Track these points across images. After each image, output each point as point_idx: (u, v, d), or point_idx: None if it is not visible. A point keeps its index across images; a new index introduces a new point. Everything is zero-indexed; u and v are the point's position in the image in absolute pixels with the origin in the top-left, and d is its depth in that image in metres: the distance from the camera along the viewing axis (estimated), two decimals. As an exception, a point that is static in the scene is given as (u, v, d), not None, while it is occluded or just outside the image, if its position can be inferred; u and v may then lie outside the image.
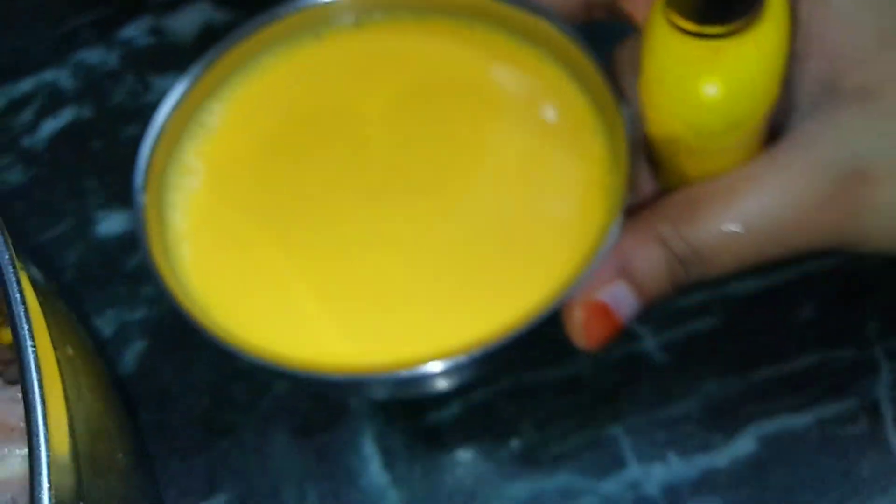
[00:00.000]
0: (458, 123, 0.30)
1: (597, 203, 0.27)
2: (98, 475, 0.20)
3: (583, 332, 0.24)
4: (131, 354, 0.33)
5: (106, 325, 0.34)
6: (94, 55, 0.43)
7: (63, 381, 0.18)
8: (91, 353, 0.26)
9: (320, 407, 0.31)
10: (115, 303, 0.34)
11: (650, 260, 0.24)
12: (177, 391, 0.32)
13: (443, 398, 0.30)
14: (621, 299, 0.24)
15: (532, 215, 0.27)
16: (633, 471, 0.29)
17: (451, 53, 0.31)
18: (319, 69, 0.31)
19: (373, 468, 0.29)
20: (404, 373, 0.24)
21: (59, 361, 0.18)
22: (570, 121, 0.29)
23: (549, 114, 0.29)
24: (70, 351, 0.21)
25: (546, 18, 0.29)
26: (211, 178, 0.29)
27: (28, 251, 0.36)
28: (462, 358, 0.23)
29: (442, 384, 0.26)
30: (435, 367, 0.23)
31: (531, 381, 0.30)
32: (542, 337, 0.31)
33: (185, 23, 0.43)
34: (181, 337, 0.33)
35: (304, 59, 0.31)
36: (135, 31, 0.43)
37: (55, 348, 0.18)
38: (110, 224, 0.37)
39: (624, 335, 0.31)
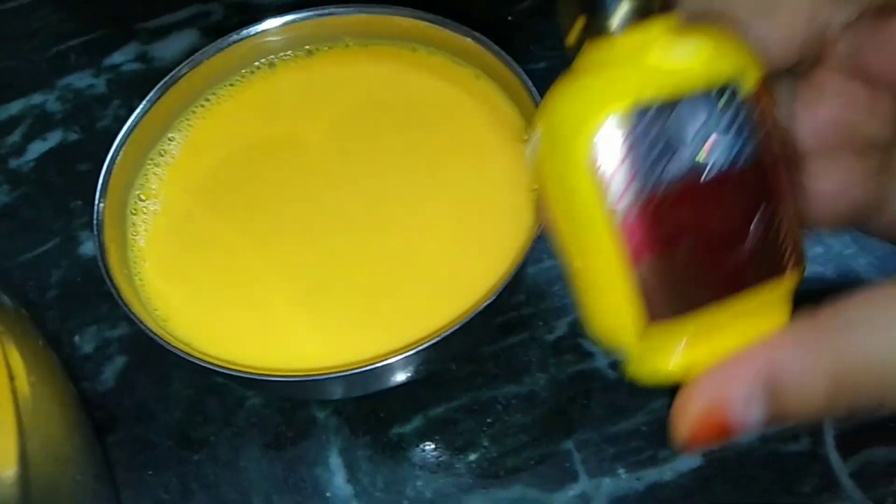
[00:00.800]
0: (402, 136, 0.32)
1: (525, 206, 0.30)
2: (52, 498, 0.21)
3: (690, 434, 0.20)
4: (111, 371, 0.34)
5: (87, 342, 0.35)
6: (82, 80, 0.45)
7: (17, 413, 0.19)
8: (59, 377, 0.27)
9: (290, 421, 0.32)
10: (96, 320, 0.36)
11: (810, 375, 0.19)
12: (154, 406, 0.33)
13: (405, 413, 0.32)
14: (750, 413, 0.19)
15: (468, 219, 0.30)
16: (584, 484, 0.30)
17: (395, 75, 0.34)
18: (273, 95, 0.34)
19: (338, 480, 0.31)
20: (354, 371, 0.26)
21: (15, 393, 0.19)
22: (502, 130, 0.31)
23: (484, 124, 0.32)
24: (33, 378, 0.22)
25: (478, 41, 0.31)
26: (170, 201, 0.32)
27: (9, 270, 0.38)
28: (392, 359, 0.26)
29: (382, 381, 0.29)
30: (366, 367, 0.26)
31: (489, 397, 0.32)
32: (500, 354, 0.33)
33: (171, 49, 0.45)
34: (159, 354, 0.35)
35: (259, 86, 0.34)
36: (122, 57, 0.45)
37: (12, 378, 0.19)
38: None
39: (577, 354, 0.33)
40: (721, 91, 0.19)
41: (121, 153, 0.30)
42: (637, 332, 0.20)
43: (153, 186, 0.32)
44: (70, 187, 0.40)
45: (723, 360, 0.20)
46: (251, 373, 0.26)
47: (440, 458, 0.31)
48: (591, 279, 0.20)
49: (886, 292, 0.19)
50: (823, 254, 0.34)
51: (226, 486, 0.31)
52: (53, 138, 0.42)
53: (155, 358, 0.34)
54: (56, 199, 0.40)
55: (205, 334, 0.28)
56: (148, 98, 0.32)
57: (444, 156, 0.32)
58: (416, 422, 0.32)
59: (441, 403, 0.32)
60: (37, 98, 0.44)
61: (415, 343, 0.26)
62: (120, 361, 0.35)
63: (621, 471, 0.30)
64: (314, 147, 0.32)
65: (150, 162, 0.32)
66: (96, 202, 0.29)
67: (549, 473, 0.30)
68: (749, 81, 0.19)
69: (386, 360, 0.25)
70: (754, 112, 0.19)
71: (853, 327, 0.19)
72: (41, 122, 0.43)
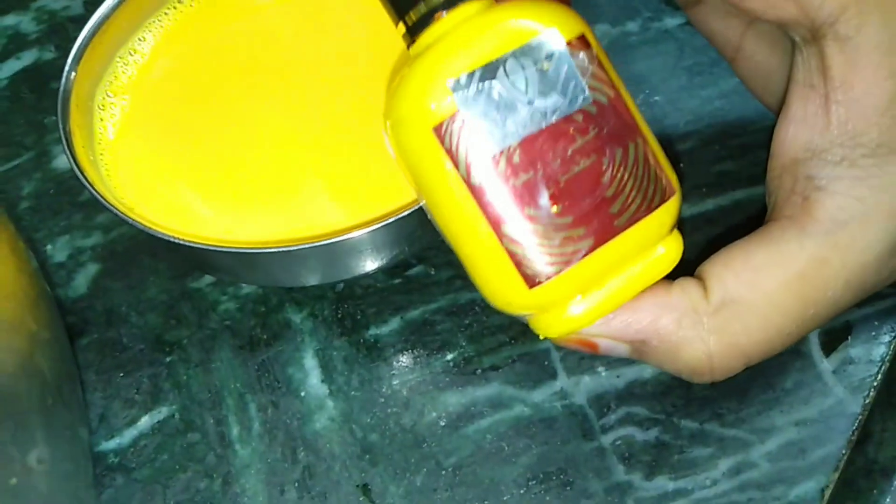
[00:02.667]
0: (377, 27, 0.31)
1: None
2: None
3: (559, 343, 0.24)
4: (84, 278, 0.34)
5: (59, 251, 0.35)
6: (57, 2, 0.44)
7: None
8: (34, 272, 0.27)
9: (265, 324, 0.32)
10: (69, 230, 0.35)
11: (684, 352, 0.23)
12: (127, 310, 0.33)
13: (382, 316, 0.31)
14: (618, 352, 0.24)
15: None
16: (563, 381, 0.30)
17: None
18: (249, 4, 0.33)
19: (312, 380, 0.30)
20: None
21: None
22: None
23: None
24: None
25: None
26: (139, 97, 0.31)
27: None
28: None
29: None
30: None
31: (468, 300, 0.31)
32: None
33: (147, -31, 0.44)
34: (134, 260, 0.34)
35: None
36: (99, -22, 0.44)
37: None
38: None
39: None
40: (539, 44, 0.20)
41: (90, 44, 0.30)
42: (525, 298, 0.21)
43: (122, 83, 0.31)
44: (43, 104, 0.40)
45: (614, 312, 0.22)
46: (229, 247, 0.26)
47: (417, 358, 0.30)
48: (469, 254, 0.21)
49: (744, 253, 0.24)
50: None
51: (198, 386, 0.31)
52: (28, 57, 0.42)
53: (130, 265, 0.34)
54: (29, 116, 0.39)
55: (173, 223, 0.28)
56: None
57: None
58: (393, 324, 0.31)
59: (419, 306, 0.32)
60: (10, 19, 0.43)
61: (381, 218, 0.25)
62: (93, 269, 0.34)
63: (601, 368, 0.30)
64: (286, 43, 0.32)
65: (119, 60, 0.32)
66: (62, 84, 0.28)
67: (527, 371, 0.30)
68: (567, 33, 0.20)
69: (352, 233, 0.25)
70: (577, 59, 0.20)
71: (726, 306, 0.23)
72: (15, 42, 0.42)
